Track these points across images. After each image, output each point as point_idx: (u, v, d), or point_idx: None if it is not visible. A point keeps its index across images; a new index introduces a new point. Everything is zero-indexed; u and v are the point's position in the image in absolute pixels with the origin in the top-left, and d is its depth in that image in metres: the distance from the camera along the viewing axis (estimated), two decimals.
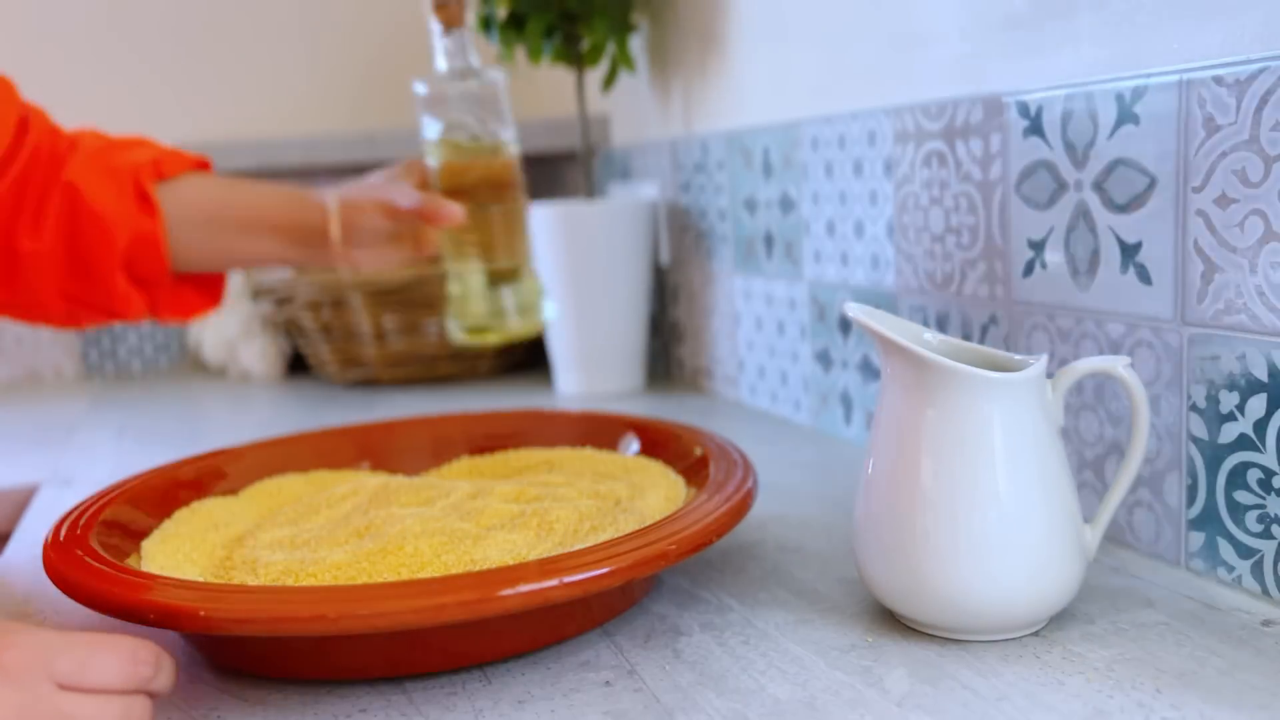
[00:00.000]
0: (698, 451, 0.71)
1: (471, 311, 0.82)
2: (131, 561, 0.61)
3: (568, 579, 0.50)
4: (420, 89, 0.80)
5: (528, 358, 1.38)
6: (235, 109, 1.59)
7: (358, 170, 1.63)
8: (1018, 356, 0.55)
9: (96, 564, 0.55)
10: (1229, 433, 0.57)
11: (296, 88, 1.60)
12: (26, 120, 0.80)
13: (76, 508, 0.64)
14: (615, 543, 0.54)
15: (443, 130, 0.80)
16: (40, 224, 0.78)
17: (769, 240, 1.01)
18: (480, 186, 0.80)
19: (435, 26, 0.79)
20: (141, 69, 1.57)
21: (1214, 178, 0.57)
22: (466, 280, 0.82)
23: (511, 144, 0.82)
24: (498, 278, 0.81)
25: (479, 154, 0.80)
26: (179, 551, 0.63)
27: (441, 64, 0.80)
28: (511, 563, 0.58)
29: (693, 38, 1.13)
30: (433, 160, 0.81)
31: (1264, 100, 0.54)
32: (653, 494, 0.67)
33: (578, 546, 0.59)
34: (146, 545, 0.63)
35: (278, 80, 1.60)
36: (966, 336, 0.77)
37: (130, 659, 0.46)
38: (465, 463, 0.80)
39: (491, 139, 0.80)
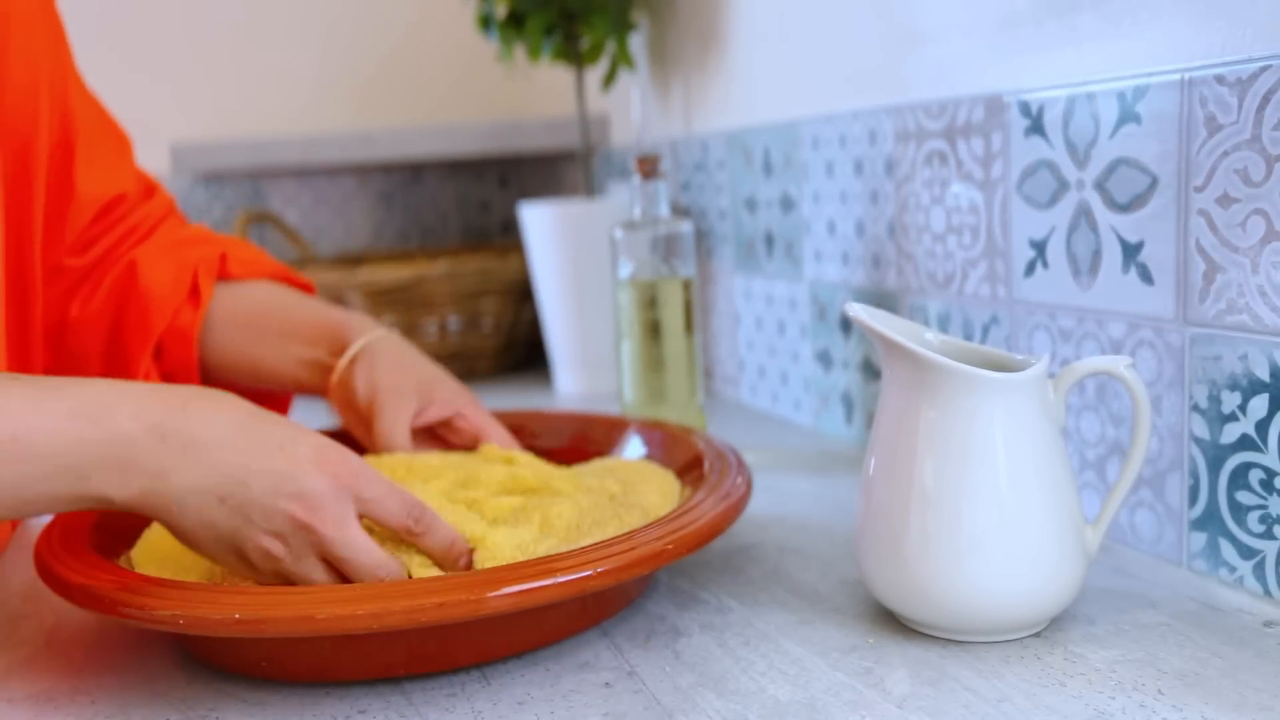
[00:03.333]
0: (689, 441, 0.71)
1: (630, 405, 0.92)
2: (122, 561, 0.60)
3: (559, 579, 0.50)
4: (618, 233, 0.90)
5: (527, 357, 1.38)
6: (235, 109, 1.59)
7: (358, 170, 1.63)
8: (1019, 356, 0.55)
9: (95, 568, 0.54)
10: (1231, 433, 0.57)
11: (296, 87, 1.60)
12: (123, 198, 0.79)
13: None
14: (611, 542, 0.53)
15: (633, 270, 0.89)
16: (94, 294, 0.78)
17: (769, 240, 1.01)
18: (659, 320, 0.90)
19: (635, 178, 0.90)
20: (142, 68, 1.57)
21: (1216, 177, 0.57)
22: (636, 390, 0.91)
23: (691, 283, 0.91)
24: (661, 395, 0.91)
25: (660, 291, 0.90)
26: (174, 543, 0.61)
27: (636, 210, 0.90)
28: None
29: (693, 37, 1.13)
30: (622, 296, 0.90)
31: (1266, 99, 0.54)
32: (646, 487, 0.66)
33: (583, 543, 0.59)
34: (136, 553, 0.61)
35: (278, 80, 1.60)
36: (968, 336, 0.76)
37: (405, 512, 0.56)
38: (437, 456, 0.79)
39: (672, 278, 0.90)
